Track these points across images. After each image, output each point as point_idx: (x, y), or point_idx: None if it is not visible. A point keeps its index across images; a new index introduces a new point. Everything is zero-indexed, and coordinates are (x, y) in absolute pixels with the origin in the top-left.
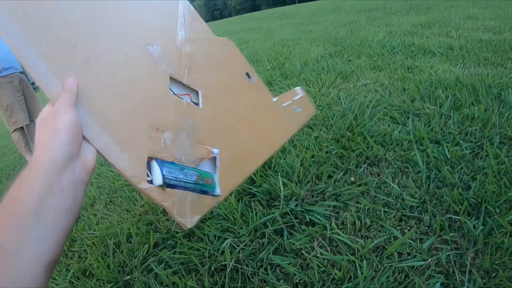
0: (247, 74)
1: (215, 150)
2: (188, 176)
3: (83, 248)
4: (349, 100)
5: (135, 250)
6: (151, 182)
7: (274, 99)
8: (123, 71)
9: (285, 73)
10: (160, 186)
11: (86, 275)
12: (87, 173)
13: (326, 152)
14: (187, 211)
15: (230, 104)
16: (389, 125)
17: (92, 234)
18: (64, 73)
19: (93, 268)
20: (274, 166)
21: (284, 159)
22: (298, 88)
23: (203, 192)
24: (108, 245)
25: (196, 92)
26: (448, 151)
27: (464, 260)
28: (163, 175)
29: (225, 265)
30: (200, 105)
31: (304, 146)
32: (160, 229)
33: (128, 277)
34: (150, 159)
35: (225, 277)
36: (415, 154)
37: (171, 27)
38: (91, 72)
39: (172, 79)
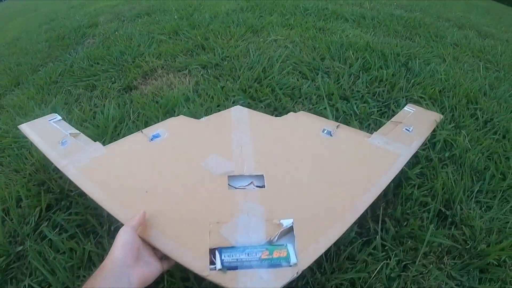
0: (325, 131)
1: (286, 222)
2: (252, 255)
3: None
4: (258, 53)
5: (26, 215)
6: (214, 269)
7: (372, 136)
8: (184, 190)
9: (193, 23)
10: (220, 269)
11: None
12: (141, 283)
13: (233, 102)
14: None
15: (301, 173)
16: (298, 80)
17: None
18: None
19: None
20: (178, 114)
21: (188, 108)
22: (407, 106)
23: (274, 265)
24: None
25: (262, 176)
26: (357, 107)
27: (375, 210)
28: (221, 260)
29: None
30: (266, 187)
31: (209, 95)
32: (53, 188)
33: (20, 247)
34: (211, 250)
35: None
36: (325, 108)
37: (227, 135)
38: (158, 202)
39: (232, 176)
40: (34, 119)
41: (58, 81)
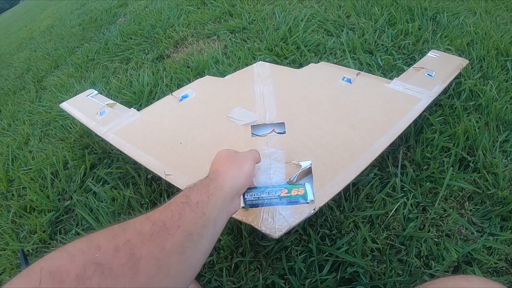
0: (345, 79)
1: (304, 163)
2: (272, 193)
3: (21, 186)
4: (284, 15)
5: (72, 175)
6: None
7: (392, 82)
8: (212, 141)
9: None
10: (243, 207)
11: (28, 211)
12: (235, 209)
13: (259, 61)
14: (274, 223)
15: (320, 118)
16: (323, 37)
17: (29, 169)
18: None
19: (33, 202)
20: (205, 75)
21: (217, 69)
22: (431, 52)
23: (292, 202)
24: (45, 176)
25: (283, 124)
26: (381, 59)
27: (396, 154)
28: (244, 199)
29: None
30: (286, 132)
31: (237, 56)
32: (96, 149)
33: (68, 202)
34: None
35: (161, 185)
36: (348, 62)
37: (250, 89)
38: (189, 153)
39: (256, 125)
40: (75, 94)
41: (95, 58)
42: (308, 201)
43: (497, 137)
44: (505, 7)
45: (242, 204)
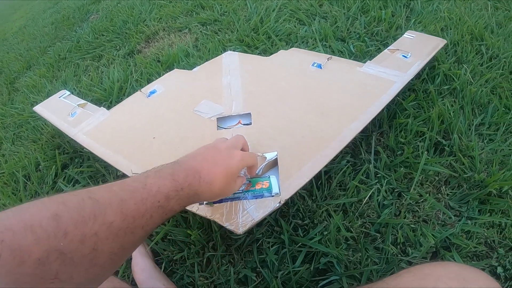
0: (315, 64)
1: (269, 155)
2: None
3: None
4: (255, 5)
5: (44, 176)
6: (202, 203)
7: (365, 65)
8: (179, 136)
9: None
10: (207, 204)
11: None
12: None
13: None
14: (238, 218)
15: (288, 106)
16: (294, 26)
17: (2, 173)
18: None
19: (6, 207)
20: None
21: (188, 62)
22: (407, 33)
23: (257, 196)
24: (18, 179)
25: (249, 114)
26: (353, 46)
27: (369, 140)
28: None
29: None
30: (252, 123)
31: (207, 48)
32: (67, 149)
33: None
34: None
35: None
36: (319, 50)
37: (217, 80)
38: (157, 149)
39: (221, 118)
40: (47, 94)
41: (67, 57)
42: (273, 194)
43: (472, 120)
44: None
45: (206, 201)
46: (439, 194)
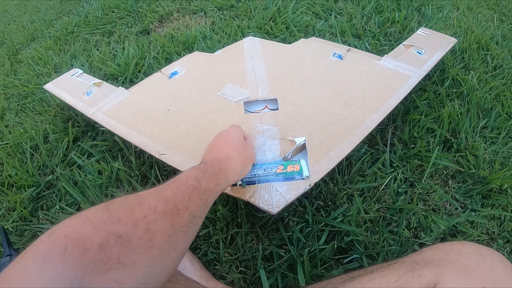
0: (336, 54)
1: (299, 139)
2: (268, 170)
3: None
4: None
5: (53, 149)
6: (235, 185)
7: (383, 58)
8: (204, 119)
9: None
10: (240, 185)
11: (6, 187)
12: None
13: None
14: (271, 199)
15: (312, 94)
16: (311, 19)
17: (6, 144)
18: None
19: (11, 178)
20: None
21: (206, 44)
22: (420, 30)
23: (288, 178)
24: (24, 150)
25: (275, 100)
26: (368, 44)
27: (385, 133)
28: None
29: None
30: (279, 109)
31: (226, 32)
32: (79, 123)
33: (50, 177)
34: None
35: (151, 157)
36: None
37: (240, 65)
38: (182, 132)
39: (248, 102)
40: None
41: (75, 31)
42: (303, 177)
43: (477, 123)
44: (486, 5)
45: (239, 182)
46: (447, 187)
